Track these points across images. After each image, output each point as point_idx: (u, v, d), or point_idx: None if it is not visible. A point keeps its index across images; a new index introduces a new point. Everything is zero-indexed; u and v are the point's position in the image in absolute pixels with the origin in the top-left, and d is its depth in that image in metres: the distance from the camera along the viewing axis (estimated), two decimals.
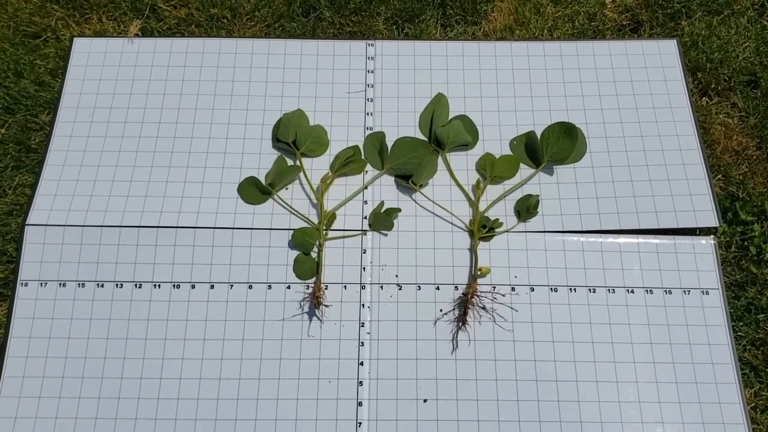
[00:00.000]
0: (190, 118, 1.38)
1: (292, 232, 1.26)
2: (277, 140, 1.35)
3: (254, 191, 1.31)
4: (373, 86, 1.42)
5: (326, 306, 1.21)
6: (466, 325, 1.19)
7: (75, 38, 1.46)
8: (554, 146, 1.32)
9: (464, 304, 1.20)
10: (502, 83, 1.42)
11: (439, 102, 1.39)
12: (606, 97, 1.40)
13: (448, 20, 1.51)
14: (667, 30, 1.49)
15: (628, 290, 1.24)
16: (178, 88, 1.41)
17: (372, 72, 1.43)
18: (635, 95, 1.40)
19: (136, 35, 1.46)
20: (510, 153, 1.35)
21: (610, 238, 1.27)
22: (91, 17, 1.51)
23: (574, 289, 1.24)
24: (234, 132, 1.37)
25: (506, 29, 1.49)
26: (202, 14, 1.50)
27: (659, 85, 1.41)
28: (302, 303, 1.22)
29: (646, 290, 1.24)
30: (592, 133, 1.36)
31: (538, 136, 1.34)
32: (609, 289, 1.24)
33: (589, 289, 1.24)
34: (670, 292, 1.24)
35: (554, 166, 1.33)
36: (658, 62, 1.44)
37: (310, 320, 1.21)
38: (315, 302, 1.19)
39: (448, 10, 1.52)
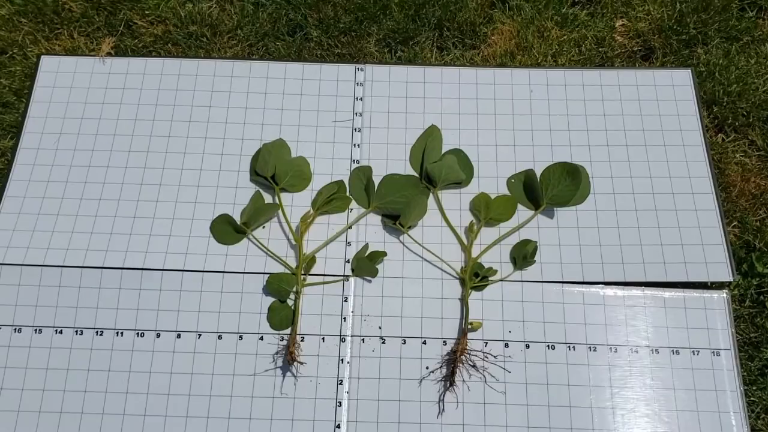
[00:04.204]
0: (162, 146, 1.28)
1: (267, 276, 1.16)
2: (255, 173, 1.25)
3: (228, 230, 1.21)
4: (361, 115, 1.31)
5: (301, 363, 1.11)
6: (454, 386, 1.09)
7: (42, 56, 1.36)
8: (555, 188, 1.21)
9: (453, 362, 1.10)
10: (501, 115, 1.32)
11: (431, 134, 1.28)
12: (613, 132, 1.29)
13: (445, 42, 1.41)
14: (681, 58, 1.38)
15: (632, 349, 1.13)
16: (150, 113, 1.31)
17: (361, 99, 1.33)
18: (645, 131, 1.29)
19: (108, 54, 1.36)
20: (507, 192, 1.24)
21: (614, 290, 1.17)
22: (62, 32, 1.40)
23: (573, 347, 1.13)
24: (209, 163, 1.27)
25: (507, 54, 1.38)
26: (180, 31, 1.39)
27: (671, 120, 1.30)
28: (276, 356, 1.13)
29: (652, 350, 1.14)
30: (596, 172, 1.26)
31: (538, 174, 1.23)
32: (611, 348, 1.14)
33: (590, 347, 1.13)
34: (677, 352, 1.13)
35: (555, 209, 1.22)
36: (670, 94, 1.33)
37: (284, 376, 1.12)
38: (289, 359, 1.09)
39: (445, 32, 1.41)
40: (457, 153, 1.27)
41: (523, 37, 1.39)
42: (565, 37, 1.40)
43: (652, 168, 1.26)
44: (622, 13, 1.43)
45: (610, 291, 1.17)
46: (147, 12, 1.40)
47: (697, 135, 1.29)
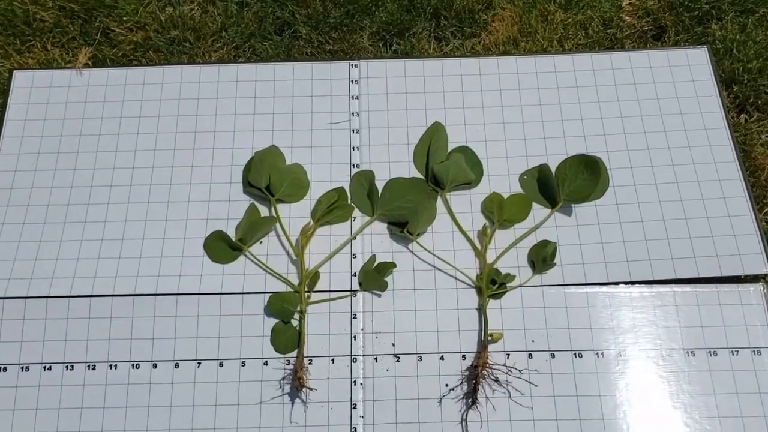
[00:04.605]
0: (148, 161, 1.20)
1: (268, 296, 1.08)
2: (248, 184, 1.16)
3: (223, 248, 1.12)
4: (358, 115, 1.22)
5: (310, 389, 1.02)
6: (477, 404, 1.01)
7: (15, 71, 1.27)
8: (572, 183, 1.13)
9: (474, 378, 1.01)
10: (508, 106, 1.23)
11: (436, 132, 1.20)
12: (629, 119, 1.21)
13: (443, 32, 1.32)
14: (695, 35, 1.29)
15: (665, 353, 1.05)
16: (134, 126, 1.22)
17: (357, 98, 1.24)
18: (662, 115, 1.21)
19: (86, 65, 1.27)
20: (520, 191, 1.16)
21: (642, 290, 1.09)
22: (35, 44, 1.32)
23: (601, 354, 1.05)
24: (199, 176, 1.18)
25: (510, 41, 1.29)
26: (161, 37, 1.31)
27: (690, 102, 1.22)
28: (282, 382, 1.04)
29: (687, 352, 1.05)
30: (614, 162, 1.17)
31: (553, 169, 1.15)
32: (642, 353, 1.05)
33: (620, 353, 1.05)
34: (714, 354, 1.05)
35: (573, 205, 1.14)
36: (687, 75, 1.24)
37: (293, 402, 1.03)
38: (297, 384, 1.01)
39: (443, 21, 1.32)
40: (465, 151, 1.19)
41: (525, 22, 1.31)
42: (570, 19, 1.31)
43: (674, 155, 1.18)
44: None
45: (637, 291, 1.09)
46: (125, 18, 1.31)
47: (718, 117, 1.20)
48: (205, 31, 1.31)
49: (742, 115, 1.25)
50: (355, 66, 1.27)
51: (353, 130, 1.22)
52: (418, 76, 1.26)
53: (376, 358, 1.05)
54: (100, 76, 1.26)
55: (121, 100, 1.24)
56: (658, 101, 1.22)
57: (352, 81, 1.26)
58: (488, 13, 1.33)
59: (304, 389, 1.02)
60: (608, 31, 1.31)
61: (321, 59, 1.29)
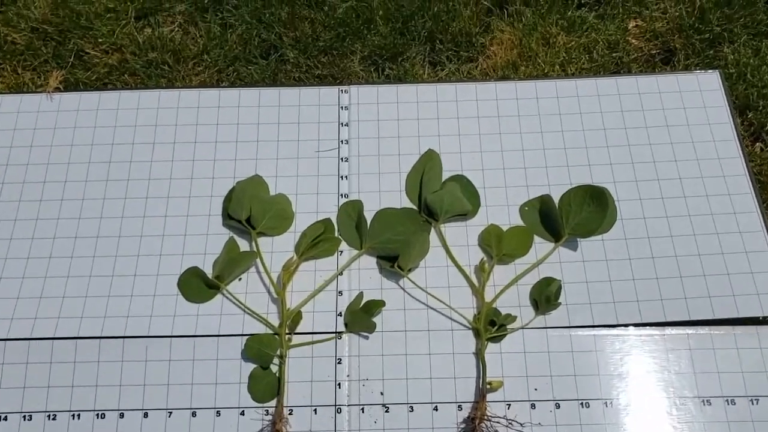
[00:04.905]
0: (121, 192, 1.12)
1: (245, 339, 0.98)
2: (228, 217, 1.08)
3: (198, 285, 1.03)
4: (348, 142, 1.15)
5: None
6: None
7: None
8: (577, 215, 1.04)
9: (471, 431, 0.92)
10: (507, 133, 1.15)
11: (429, 160, 1.12)
12: (637, 147, 1.13)
13: (438, 57, 1.25)
14: (706, 59, 1.22)
15: (678, 402, 0.96)
16: (107, 154, 1.15)
17: (346, 125, 1.16)
18: (673, 144, 1.13)
19: (57, 89, 1.19)
20: (520, 223, 1.08)
21: (653, 332, 1.00)
22: (5, 68, 1.24)
23: (610, 403, 0.96)
24: (175, 208, 1.10)
25: (509, 66, 1.22)
26: (138, 60, 1.23)
27: (702, 130, 1.14)
28: None
29: (703, 401, 0.96)
30: (622, 194, 1.09)
31: (556, 200, 1.06)
32: (654, 402, 0.96)
33: (629, 402, 0.96)
34: (732, 402, 0.96)
35: (578, 239, 1.05)
36: (698, 101, 1.17)
37: None
38: None
39: (438, 45, 1.25)
40: (460, 180, 1.11)
41: (526, 45, 1.24)
42: (573, 43, 1.24)
43: (685, 186, 1.10)
44: (635, 14, 1.27)
45: (648, 334, 1.00)
46: (100, 40, 1.24)
47: (732, 146, 1.13)
48: (186, 54, 1.23)
49: (758, 143, 1.17)
50: (345, 91, 1.19)
51: (342, 159, 1.14)
52: (411, 102, 1.19)
53: (362, 409, 0.96)
54: (71, 100, 1.19)
55: (93, 126, 1.17)
56: (667, 128, 1.15)
57: (342, 107, 1.18)
58: (486, 36, 1.26)
59: None
60: (614, 54, 1.23)
61: (309, 84, 1.21)
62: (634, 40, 1.26)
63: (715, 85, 1.18)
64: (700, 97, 1.17)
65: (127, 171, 1.13)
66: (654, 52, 1.25)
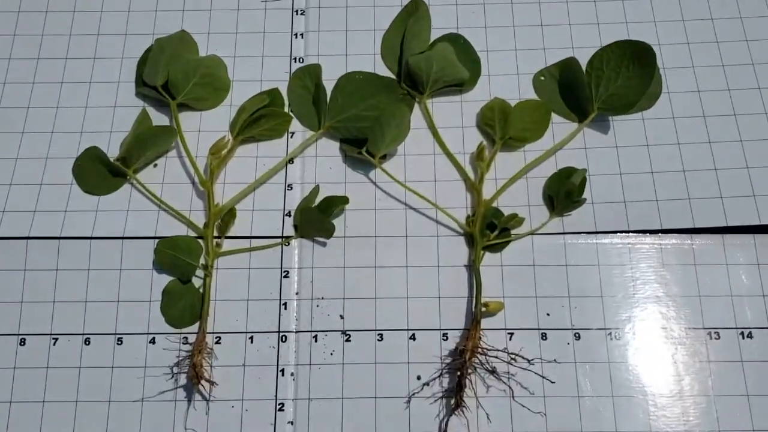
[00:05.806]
0: (5, 50, 0.85)
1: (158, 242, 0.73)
2: (142, 83, 0.81)
3: (99, 171, 0.79)
4: None
5: (212, 383, 0.68)
6: (463, 407, 0.67)
7: None
8: (612, 84, 0.78)
9: (459, 368, 0.67)
10: None
11: (414, 13, 0.85)
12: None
13: None
14: None
15: (739, 332, 0.71)
16: None
17: None
18: None
19: None
20: (534, 96, 0.81)
21: (709, 241, 0.74)
22: None
23: (647, 332, 0.71)
24: (74, 73, 0.86)
25: None
26: None
27: None
28: (176, 369, 0.70)
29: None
30: (668, 60, 0.84)
31: (583, 65, 0.79)
32: (708, 331, 0.71)
33: (684, 328, 0.72)
34: None
35: (610, 118, 0.79)
36: None
37: (189, 400, 0.70)
38: (192, 375, 0.67)
39: None
40: (455, 39, 0.84)
41: None
42: None
43: (753, 50, 0.84)
44: None
45: (701, 242, 0.74)
46: None
47: None
48: None
49: None
50: None
51: (297, 11, 0.88)
52: None
53: (315, 336, 0.72)
54: None
55: None
56: None
57: None
58: None
59: (202, 382, 0.67)
60: None
61: None
62: None
63: None
64: None
65: (14, 23, 0.87)
66: None
